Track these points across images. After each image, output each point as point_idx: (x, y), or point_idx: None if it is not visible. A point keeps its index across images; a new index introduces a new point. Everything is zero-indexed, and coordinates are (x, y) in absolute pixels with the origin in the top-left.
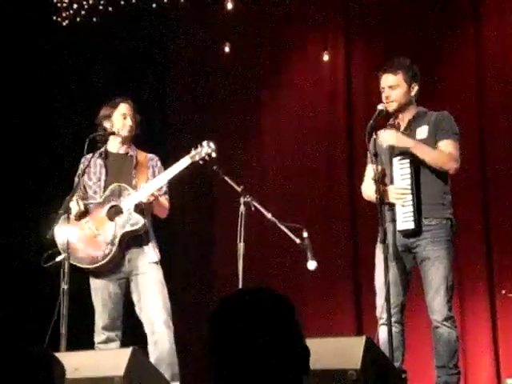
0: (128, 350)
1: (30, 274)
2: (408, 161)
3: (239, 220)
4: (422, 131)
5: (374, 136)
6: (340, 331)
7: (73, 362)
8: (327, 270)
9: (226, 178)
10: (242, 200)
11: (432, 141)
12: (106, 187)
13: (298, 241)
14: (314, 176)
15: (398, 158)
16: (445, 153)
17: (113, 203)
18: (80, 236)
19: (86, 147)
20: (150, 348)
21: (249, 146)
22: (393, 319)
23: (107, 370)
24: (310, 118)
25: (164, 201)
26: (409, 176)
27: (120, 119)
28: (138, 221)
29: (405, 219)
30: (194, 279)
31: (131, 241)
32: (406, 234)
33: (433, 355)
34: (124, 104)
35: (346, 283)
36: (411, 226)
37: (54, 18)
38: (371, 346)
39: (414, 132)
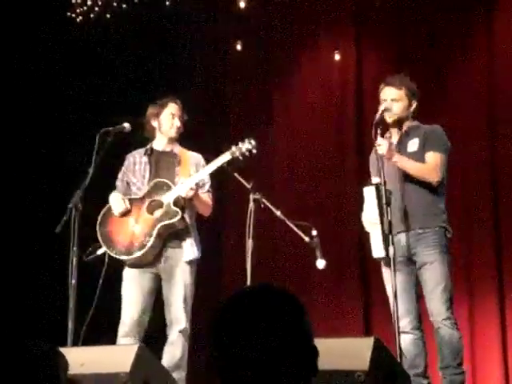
0: (135, 347)
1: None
2: (372, 188)
3: (248, 217)
4: (413, 144)
5: (379, 130)
6: (348, 331)
7: (79, 357)
8: (336, 269)
9: (236, 175)
10: (251, 197)
11: (422, 153)
12: (149, 184)
13: (306, 239)
14: (324, 175)
15: (366, 187)
16: (426, 165)
17: (153, 198)
18: (119, 229)
19: (96, 143)
20: (166, 347)
21: (259, 144)
22: (410, 326)
23: (113, 366)
24: (320, 117)
25: (207, 198)
26: (375, 204)
27: (169, 119)
28: (176, 214)
29: (376, 248)
30: (202, 276)
31: (170, 237)
32: (406, 230)
33: (437, 358)
34: (173, 103)
35: (355, 283)
36: (382, 254)
37: (69, 14)
38: (380, 347)
39: (406, 145)
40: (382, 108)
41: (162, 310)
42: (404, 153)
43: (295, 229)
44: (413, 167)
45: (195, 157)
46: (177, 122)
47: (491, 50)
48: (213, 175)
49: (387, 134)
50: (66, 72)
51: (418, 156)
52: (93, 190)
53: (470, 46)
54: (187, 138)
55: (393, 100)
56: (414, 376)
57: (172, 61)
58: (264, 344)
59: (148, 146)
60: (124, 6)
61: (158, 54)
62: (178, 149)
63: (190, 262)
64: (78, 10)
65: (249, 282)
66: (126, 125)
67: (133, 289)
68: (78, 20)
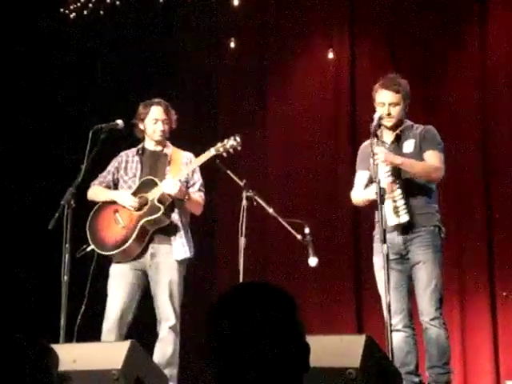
0: (126, 343)
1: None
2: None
3: (241, 214)
4: (409, 145)
5: (376, 139)
6: (340, 329)
7: (71, 353)
8: (328, 266)
9: (229, 172)
10: (244, 194)
11: (418, 153)
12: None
13: (299, 237)
14: (317, 172)
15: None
16: (430, 165)
17: (140, 195)
18: (107, 226)
19: (89, 139)
20: (157, 343)
21: (253, 141)
22: (401, 324)
23: (105, 362)
24: (314, 115)
25: (197, 197)
26: (390, 173)
27: (151, 124)
28: (158, 209)
29: (399, 213)
30: (194, 274)
31: (157, 233)
32: (401, 228)
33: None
34: (156, 107)
35: (347, 280)
36: (406, 218)
37: (62, 10)
38: (371, 345)
39: (402, 145)
40: (377, 116)
41: (152, 307)
42: (400, 153)
43: (288, 226)
44: (418, 167)
45: (186, 156)
46: (160, 127)
47: (484, 50)
48: (205, 173)
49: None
50: (60, 69)
51: (415, 157)
52: (86, 186)
53: (463, 46)
54: (179, 136)
55: (391, 104)
56: (405, 374)
57: (166, 57)
58: (256, 340)
59: (140, 146)
60: (117, 2)
61: (152, 50)
62: (169, 148)
63: (179, 261)
64: (71, 7)
65: (241, 280)
66: (119, 122)
67: (117, 285)
68: (71, 16)
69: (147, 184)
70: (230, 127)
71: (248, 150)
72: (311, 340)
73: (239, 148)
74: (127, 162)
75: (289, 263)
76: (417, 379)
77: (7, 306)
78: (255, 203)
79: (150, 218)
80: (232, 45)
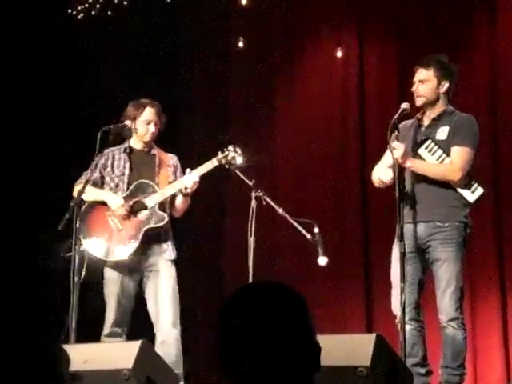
0: (137, 343)
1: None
2: (432, 144)
3: (250, 214)
4: (443, 132)
5: (396, 133)
6: (350, 328)
7: (82, 354)
8: (338, 266)
9: (238, 172)
10: (253, 194)
11: (449, 143)
12: (129, 183)
13: (308, 236)
14: (326, 171)
15: (423, 148)
16: (445, 168)
17: (136, 199)
18: (101, 228)
19: (98, 140)
20: (157, 345)
21: (261, 140)
22: (407, 317)
23: (116, 362)
24: (323, 114)
25: (189, 200)
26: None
27: (144, 125)
28: (162, 218)
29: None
30: (204, 273)
31: (151, 237)
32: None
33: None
34: (149, 109)
35: (357, 280)
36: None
37: (69, 11)
38: (381, 344)
39: (436, 131)
40: (401, 108)
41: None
42: (433, 139)
43: (297, 226)
44: (429, 170)
45: (172, 158)
46: (152, 129)
47: (493, 47)
48: (214, 172)
49: (419, 115)
50: (67, 69)
51: (446, 145)
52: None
53: (472, 44)
54: (187, 124)
55: (420, 81)
56: (412, 366)
57: (173, 56)
58: (266, 340)
59: (126, 145)
60: (125, 2)
61: (159, 50)
62: (155, 149)
63: (172, 261)
64: (79, 7)
65: (251, 280)
66: (128, 122)
67: (114, 290)
68: (78, 17)
69: (142, 188)
70: (239, 127)
71: (256, 148)
72: (322, 339)
73: (240, 160)
74: (114, 160)
75: (298, 263)
76: (423, 370)
77: (16, 307)
78: (264, 203)
79: (154, 225)
80: (240, 44)
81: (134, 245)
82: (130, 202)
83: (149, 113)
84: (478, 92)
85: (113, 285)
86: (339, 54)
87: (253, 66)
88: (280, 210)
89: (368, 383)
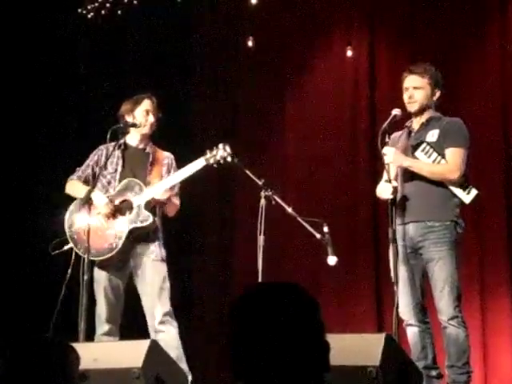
0: (146, 342)
1: (39, 261)
2: (428, 147)
3: (260, 213)
4: (433, 134)
5: (388, 139)
6: (360, 328)
7: (92, 352)
8: (348, 265)
9: (247, 172)
10: (262, 193)
11: (440, 145)
12: (120, 180)
13: (318, 235)
14: (336, 171)
15: (419, 150)
16: (441, 166)
17: (124, 198)
18: (89, 227)
19: (108, 138)
20: (160, 342)
21: (271, 141)
22: (414, 319)
23: (126, 361)
24: (333, 113)
25: (176, 200)
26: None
27: (143, 115)
28: (147, 218)
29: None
30: (213, 272)
31: (139, 237)
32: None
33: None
34: (148, 100)
35: (367, 279)
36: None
37: (79, 10)
38: (391, 344)
39: (426, 134)
40: (391, 116)
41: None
42: (423, 141)
43: (306, 225)
44: (427, 169)
45: (167, 156)
46: (151, 119)
47: (505, 46)
48: (223, 172)
49: (408, 123)
50: (77, 69)
51: (437, 146)
52: None
53: (483, 42)
54: (197, 125)
55: (415, 88)
56: (422, 368)
57: (183, 57)
58: (277, 338)
59: (121, 141)
60: (135, 2)
61: (170, 50)
62: (151, 147)
63: (160, 260)
64: (88, 7)
65: (260, 279)
66: (138, 122)
67: (104, 290)
68: (88, 17)
69: (131, 187)
70: (248, 126)
71: (266, 148)
72: (332, 339)
73: (230, 159)
74: (107, 157)
75: (308, 262)
76: (434, 373)
77: (26, 306)
78: (274, 202)
79: (139, 225)
80: (250, 44)
81: (119, 244)
82: (117, 201)
83: (147, 104)
84: (490, 92)
85: (101, 284)
86: (350, 53)
87: (263, 66)
88: (289, 209)
89: (378, 383)
